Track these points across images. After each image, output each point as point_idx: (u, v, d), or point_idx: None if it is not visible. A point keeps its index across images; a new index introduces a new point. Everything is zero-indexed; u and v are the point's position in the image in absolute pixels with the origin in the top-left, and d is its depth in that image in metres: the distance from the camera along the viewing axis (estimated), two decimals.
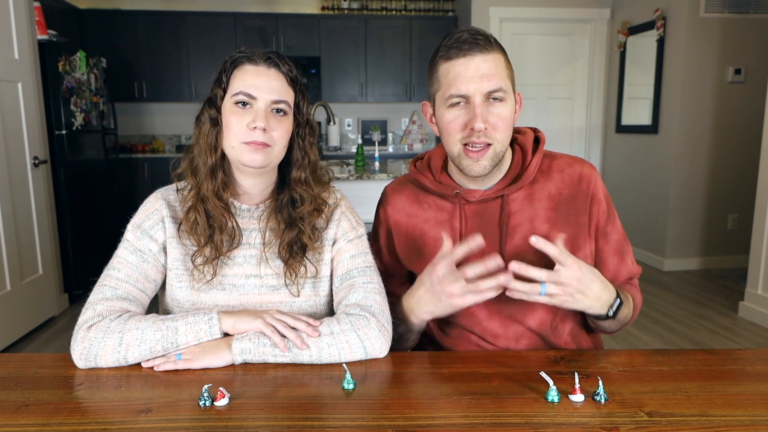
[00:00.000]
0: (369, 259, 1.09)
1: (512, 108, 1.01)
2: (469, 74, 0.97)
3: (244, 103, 0.98)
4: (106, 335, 0.90)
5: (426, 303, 0.99)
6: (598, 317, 1.00)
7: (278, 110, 1.00)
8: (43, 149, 3.16)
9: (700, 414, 0.75)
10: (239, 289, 1.04)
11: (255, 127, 0.97)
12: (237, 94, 0.98)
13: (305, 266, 1.06)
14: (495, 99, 0.98)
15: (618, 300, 0.99)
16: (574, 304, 0.93)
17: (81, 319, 0.94)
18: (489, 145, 0.99)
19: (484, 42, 0.97)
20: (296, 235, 1.04)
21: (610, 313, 0.98)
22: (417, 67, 5.21)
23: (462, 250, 0.93)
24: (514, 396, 0.81)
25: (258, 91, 0.98)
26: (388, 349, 0.96)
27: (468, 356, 0.96)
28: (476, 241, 0.93)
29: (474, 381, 0.87)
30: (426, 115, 1.10)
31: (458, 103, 0.99)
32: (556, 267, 0.90)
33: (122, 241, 1.04)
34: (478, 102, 0.97)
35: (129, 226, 1.05)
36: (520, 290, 0.89)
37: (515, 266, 0.88)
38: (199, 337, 0.92)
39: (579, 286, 0.91)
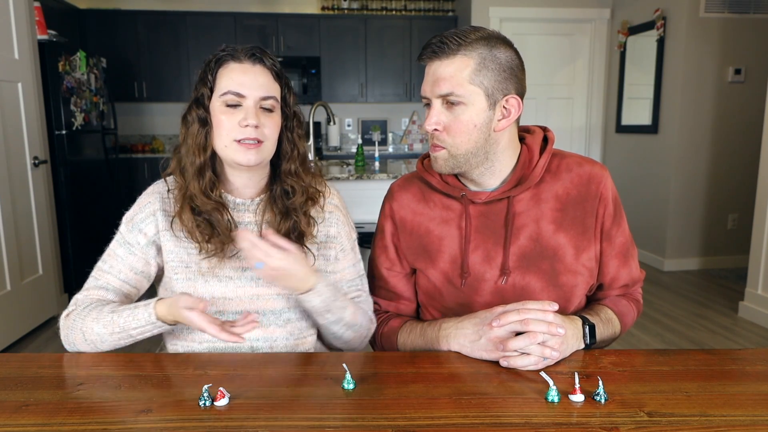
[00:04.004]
0: (361, 266, 1.17)
1: (475, 114, 0.99)
2: (428, 78, 1.02)
3: (234, 103, 0.99)
4: (73, 330, 1.00)
5: (465, 336, 0.97)
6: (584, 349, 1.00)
7: (267, 107, 1.01)
8: (43, 149, 3.16)
9: (700, 414, 0.75)
10: (235, 282, 1.05)
11: (247, 125, 0.97)
12: (225, 93, 0.99)
13: (305, 254, 1.06)
14: (452, 103, 0.99)
15: (587, 326, 0.99)
16: (566, 351, 0.94)
17: (66, 310, 1.03)
18: (443, 148, 1.02)
19: (444, 48, 0.98)
20: (292, 225, 1.06)
21: (587, 341, 0.98)
22: (417, 67, 5.21)
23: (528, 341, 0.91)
24: (514, 396, 0.81)
25: (246, 89, 0.98)
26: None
27: (468, 356, 0.96)
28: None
29: (474, 381, 0.87)
30: None
31: (427, 104, 1.04)
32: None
33: (116, 233, 1.08)
34: (436, 105, 1.01)
35: (123, 219, 1.08)
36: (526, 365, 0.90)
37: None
38: (141, 323, 0.96)
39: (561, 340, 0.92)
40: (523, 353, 0.89)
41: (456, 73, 0.98)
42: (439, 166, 1.05)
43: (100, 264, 1.07)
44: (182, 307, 0.89)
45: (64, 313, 1.03)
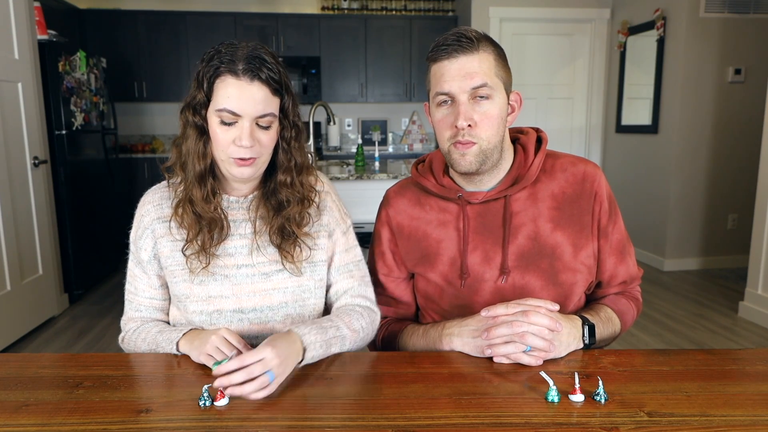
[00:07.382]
0: (358, 251, 1.15)
1: (501, 106, 1.01)
2: (452, 73, 0.99)
3: (230, 121, 0.97)
4: (133, 351, 1.09)
5: (469, 333, 0.98)
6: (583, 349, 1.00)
7: (263, 125, 0.99)
8: (43, 149, 3.16)
9: (700, 414, 0.75)
10: (231, 279, 1.05)
11: (241, 145, 0.96)
12: (221, 110, 0.96)
13: (300, 246, 1.06)
14: (481, 97, 0.99)
15: (586, 326, 0.99)
16: (560, 348, 0.94)
17: (121, 334, 1.13)
18: (475, 143, 1.00)
19: (468, 43, 0.98)
20: (286, 219, 1.06)
21: (586, 341, 0.98)
22: (417, 67, 5.21)
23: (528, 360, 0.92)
24: (514, 396, 0.81)
25: (242, 107, 0.96)
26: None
27: (468, 356, 0.96)
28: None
29: (474, 381, 0.87)
30: (428, 116, 1.11)
31: (446, 102, 1.01)
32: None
33: (129, 254, 1.10)
34: (463, 100, 0.99)
35: (130, 238, 1.10)
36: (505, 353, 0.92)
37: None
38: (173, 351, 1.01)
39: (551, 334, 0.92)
40: (507, 342, 0.91)
41: (485, 66, 0.99)
42: (468, 162, 1.02)
43: (127, 286, 1.12)
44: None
45: (119, 338, 1.13)
